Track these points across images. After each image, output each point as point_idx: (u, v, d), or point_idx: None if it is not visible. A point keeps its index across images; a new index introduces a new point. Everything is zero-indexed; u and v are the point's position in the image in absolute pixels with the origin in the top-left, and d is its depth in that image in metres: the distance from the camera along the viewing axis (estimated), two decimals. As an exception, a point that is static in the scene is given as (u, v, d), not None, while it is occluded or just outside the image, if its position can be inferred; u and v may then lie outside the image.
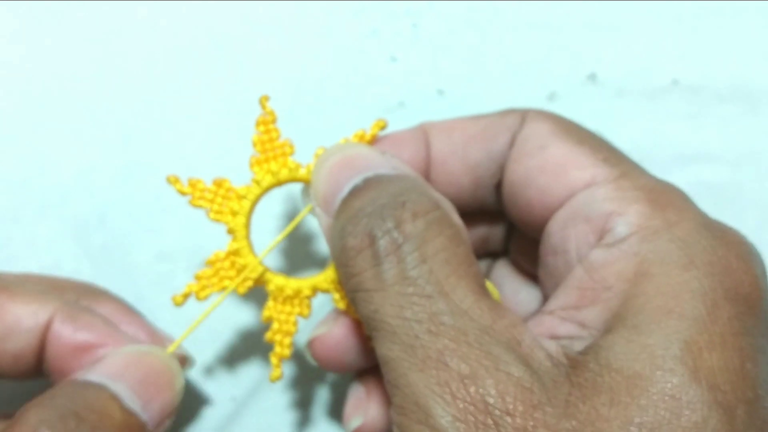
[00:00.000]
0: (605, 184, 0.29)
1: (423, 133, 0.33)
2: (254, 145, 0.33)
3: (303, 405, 0.40)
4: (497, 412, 0.24)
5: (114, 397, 0.28)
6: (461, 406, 0.24)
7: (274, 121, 0.34)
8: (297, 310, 0.33)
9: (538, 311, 0.29)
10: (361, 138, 0.33)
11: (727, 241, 0.27)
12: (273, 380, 0.33)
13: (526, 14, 0.42)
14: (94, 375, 0.29)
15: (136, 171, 0.41)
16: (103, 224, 0.41)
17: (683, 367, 0.24)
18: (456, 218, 0.28)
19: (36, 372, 0.33)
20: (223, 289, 0.33)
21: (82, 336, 0.32)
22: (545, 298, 0.33)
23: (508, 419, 0.23)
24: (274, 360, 0.33)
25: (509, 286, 0.37)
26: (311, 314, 0.33)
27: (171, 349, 0.33)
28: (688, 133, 0.42)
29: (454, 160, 0.33)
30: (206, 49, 0.42)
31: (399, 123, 0.41)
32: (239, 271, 0.33)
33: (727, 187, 0.42)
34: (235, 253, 0.33)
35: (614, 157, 0.30)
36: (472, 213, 0.35)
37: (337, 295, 0.33)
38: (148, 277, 0.40)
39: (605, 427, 0.24)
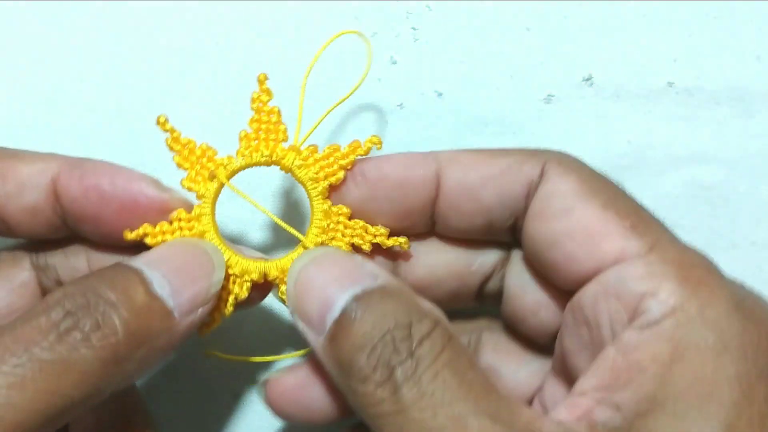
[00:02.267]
0: (635, 260, 0.29)
1: (434, 161, 0.33)
2: (249, 121, 0.34)
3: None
4: None
5: (143, 281, 0.30)
6: None
7: (268, 100, 0.34)
8: (237, 290, 0.33)
9: (570, 392, 0.30)
10: (355, 149, 0.33)
11: (757, 320, 0.28)
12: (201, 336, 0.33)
13: (524, 17, 0.43)
14: (136, 260, 0.31)
15: (140, 170, 0.42)
16: (107, 223, 0.41)
17: None
18: (448, 325, 0.29)
19: (63, 227, 0.34)
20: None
21: (89, 180, 0.33)
22: (560, 366, 0.33)
23: None
24: (205, 329, 0.33)
25: (507, 366, 0.37)
26: (244, 299, 0.33)
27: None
28: (682, 135, 0.42)
29: (467, 200, 0.33)
30: (208, 52, 0.43)
31: (398, 124, 0.42)
32: (195, 236, 0.33)
33: (722, 188, 0.42)
34: (197, 218, 0.33)
35: (641, 222, 0.30)
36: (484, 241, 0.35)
37: (283, 287, 0.33)
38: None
39: None
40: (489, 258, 0.36)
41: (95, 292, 0.29)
